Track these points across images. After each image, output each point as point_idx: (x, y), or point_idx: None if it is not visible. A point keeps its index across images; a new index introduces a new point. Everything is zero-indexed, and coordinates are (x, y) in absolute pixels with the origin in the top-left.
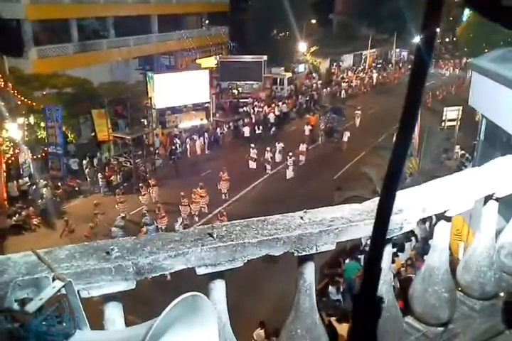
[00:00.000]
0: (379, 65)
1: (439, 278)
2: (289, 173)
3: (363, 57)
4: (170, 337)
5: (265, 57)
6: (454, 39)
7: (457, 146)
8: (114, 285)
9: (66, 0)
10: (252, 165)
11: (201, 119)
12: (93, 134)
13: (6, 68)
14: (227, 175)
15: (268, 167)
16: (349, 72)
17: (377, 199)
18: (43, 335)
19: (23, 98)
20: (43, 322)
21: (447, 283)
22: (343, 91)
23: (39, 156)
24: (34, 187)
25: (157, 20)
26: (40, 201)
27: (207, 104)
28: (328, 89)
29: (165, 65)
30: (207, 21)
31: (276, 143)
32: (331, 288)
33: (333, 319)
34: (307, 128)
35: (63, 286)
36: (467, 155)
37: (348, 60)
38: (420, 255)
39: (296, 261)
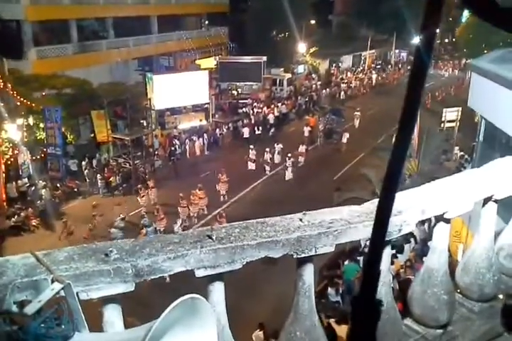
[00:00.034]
0: (378, 66)
1: (438, 280)
2: (288, 174)
3: (363, 58)
4: (169, 339)
5: (265, 58)
6: (454, 40)
7: (456, 147)
8: (113, 288)
9: (66, 1)
10: (251, 166)
11: (200, 120)
12: (92, 135)
13: (5, 69)
14: (225, 177)
15: (267, 168)
16: (348, 73)
17: (376, 201)
18: (42, 337)
19: (22, 99)
20: (42, 325)
21: (446, 285)
22: (342, 92)
23: (38, 157)
24: (33, 188)
25: (157, 20)
26: (39, 202)
27: (206, 105)
28: (328, 90)
29: (164, 65)
30: (206, 22)
31: (276, 144)
32: (330, 290)
33: (332, 320)
34: (306, 130)
35: (62, 288)
36: (466, 156)
37: (347, 60)
38: (419, 256)
39: (295, 262)
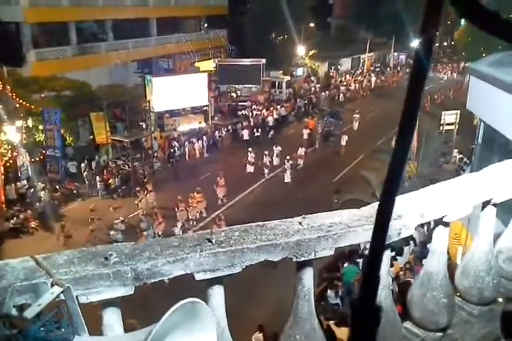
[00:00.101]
0: (377, 69)
1: (437, 283)
2: (287, 177)
3: (361, 61)
4: None
5: (264, 61)
6: (452, 43)
7: (455, 150)
8: (112, 291)
9: (65, 3)
10: (250, 169)
11: (200, 122)
12: (91, 137)
13: (4, 71)
14: (223, 181)
15: (266, 171)
16: (347, 76)
17: (375, 205)
18: None
19: (21, 101)
20: (42, 328)
21: (446, 288)
22: (341, 95)
23: (37, 159)
24: (32, 190)
25: (156, 23)
26: (38, 204)
27: (205, 107)
28: (327, 92)
29: (163, 68)
30: (205, 24)
31: (275, 147)
32: (329, 292)
33: (331, 323)
34: (305, 132)
35: (62, 292)
36: (465, 159)
37: (346, 63)
38: (419, 259)
39: (294, 266)
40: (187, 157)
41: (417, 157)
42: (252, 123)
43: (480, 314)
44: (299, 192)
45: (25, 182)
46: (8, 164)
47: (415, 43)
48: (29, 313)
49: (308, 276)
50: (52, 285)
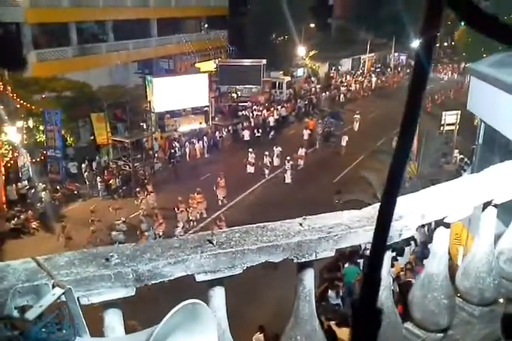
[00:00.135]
0: (378, 69)
1: (438, 284)
2: (288, 177)
3: (362, 62)
4: None
5: (264, 61)
6: (453, 43)
7: (456, 150)
8: (113, 292)
9: (65, 3)
10: (250, 169)
11: (200, 123)
12: (92, 138)
13: (5, 72)
14: (224, 182)
15: (266, 171)
16: (348, 76)
17: (376, 205)
18: None
19: (22, 101)
20: (43, 330)
21: (446, 289)
22: (341, 96)
23: (38, 160)
24: (33, 190)
25: (156, 23)
26: (39, 204)
27: (206, 108)
28: (327, 93)
29: (164, 68)
30: (206, 25)
31: (275, 147)
32: (330, 292)
33: (332, 323)
34: (306, 133)
35: (63, 293)
36: (466, 159)
37: (346, 64)
38: (419, 259)
39: (295, 267)
40: (187, 157)
41: (418, 157)
42: (252, 124)
43: (481, 315)
44: (299, 192)
45: (26, 182)
46: (9, 165)
47: (416, 44)
48: (30, 315)
49: (309, 277)
50: (53, 286)
